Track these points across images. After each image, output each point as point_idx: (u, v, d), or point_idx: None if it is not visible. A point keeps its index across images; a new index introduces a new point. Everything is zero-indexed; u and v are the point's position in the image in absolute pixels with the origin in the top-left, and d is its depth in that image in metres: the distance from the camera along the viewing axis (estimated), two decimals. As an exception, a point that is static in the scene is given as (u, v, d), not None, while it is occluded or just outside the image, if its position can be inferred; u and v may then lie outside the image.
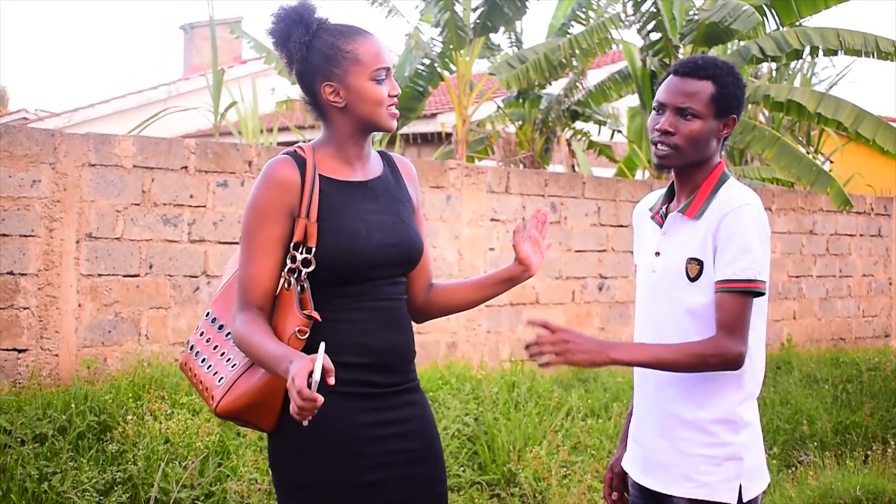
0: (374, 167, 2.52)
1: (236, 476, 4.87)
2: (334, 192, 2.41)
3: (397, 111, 2.47)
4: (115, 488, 4.63)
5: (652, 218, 2.72)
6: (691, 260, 2.54)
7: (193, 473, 4.72)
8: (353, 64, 2.39)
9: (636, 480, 2.67)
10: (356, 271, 2.38)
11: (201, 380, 2.44)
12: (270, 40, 2.49)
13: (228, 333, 2.45)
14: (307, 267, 2.36)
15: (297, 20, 2.42)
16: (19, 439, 4.81)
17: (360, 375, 2.38)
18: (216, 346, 2.46)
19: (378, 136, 10.76)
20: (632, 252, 9.27)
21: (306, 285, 2.36)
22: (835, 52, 9.54)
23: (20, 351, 5.80)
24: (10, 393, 5.47)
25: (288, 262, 2.37)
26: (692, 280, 2.53)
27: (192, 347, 2.51)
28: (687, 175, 2.63)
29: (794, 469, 6.42)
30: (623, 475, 2.79)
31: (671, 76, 2.63)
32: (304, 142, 7.76)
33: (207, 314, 2.53)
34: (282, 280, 2.37)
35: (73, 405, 5.13)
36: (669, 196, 2.70)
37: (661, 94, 2.62)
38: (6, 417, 4.94)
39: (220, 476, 4.86)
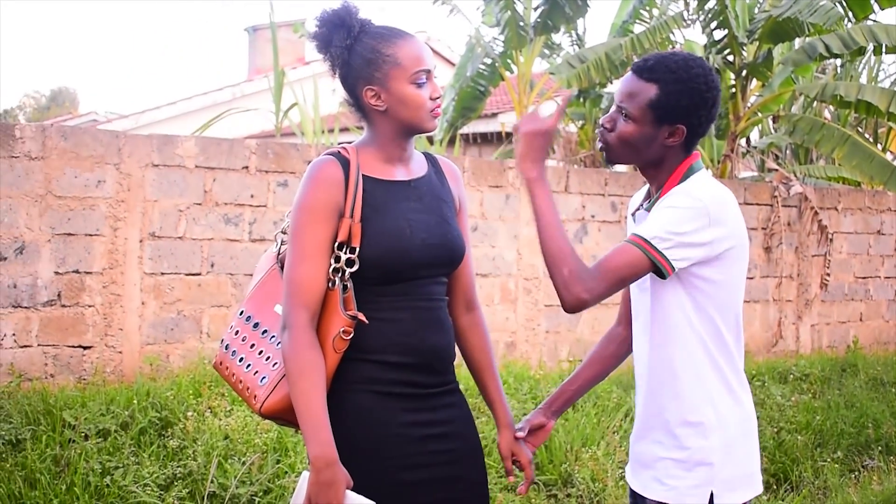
0: (417, 167, 2.52)
1: (294, 472, 4.91)
2: (378, 191, 2.41)
3: (440, 111, 2.45)
4: (176, 483, 4.69)
5: (632, 215, 2.65)
6: None
7: (252, 469, 4.78)
8: (393, 68, 2.38)
9: (629, 483, 2.63)
10: (400, 270, 2.38)
11: (241, 379, 2.44)
12: (313, 44, 2.48)
13: (265, 331, 2.45)
14: (351, 267, 2.35)
15: (338, 24, 2.42)
16: (83, 434, 4.92)
17: (402, 375, 2.38)
18: (253, 345, 2.45)
19: (438, 135, 10.78)
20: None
21: (349, 285, 2.35)
22: None
23: (85, 348, 5.93)
24: (75, 388, 5.59)
25: (332, 261, 2.36)
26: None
27: (227, 346, 2.50)
28: (648, 174, 2.54)
29: (857, 474, 6.29)
30: (539, 424, 2.73)
31: (628, 72, 2.53)
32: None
33: (241, 312, 2.52)
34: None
35: (135, 401, 5.23)
36: (649, 192, 2.62)
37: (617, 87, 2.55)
38: (71, 412, 5.04)
39: (277, 473, 4.91)
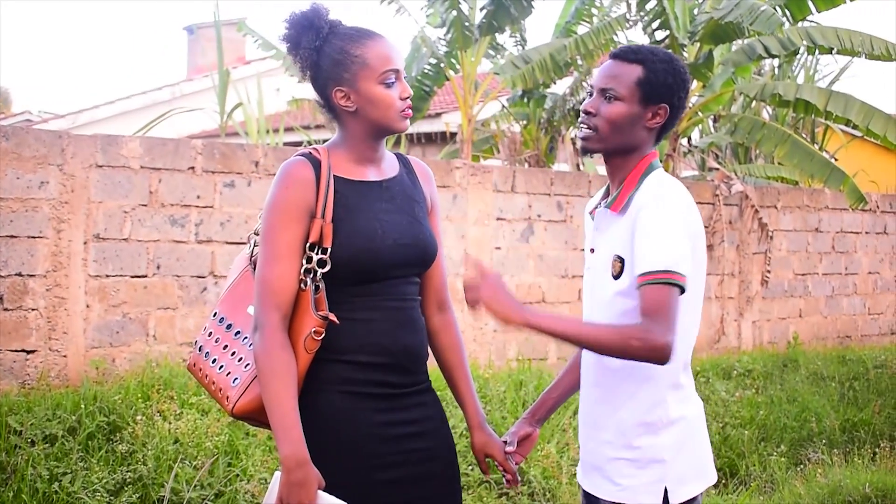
0: (389, 168, 2.53)
1: (246, 476, 4.87)
2: (349, 192, 2.42)
3: (410, 111, 2.46)
4: (126, 488, 4.63)
5: (590, 213, 2.66)
6: (616, 257, 2.47)
7: (204, 473, 4.73)
8: (361, 68, 2.40)
9: (580, 483, 2.65)
10: (372, 271, 2.39)
11: (214, 380, 2.44)
12: (284, 46, 2.49)
13: (238, 332, 2.45)
14: (322, 267, 2.36)
15: (307, 26, 2.43)
16: (29, 440, 4.83)
17: (375, 375, 2.39)
18: (226, 346, 2.46)
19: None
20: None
21: (321, 285, 2.36)
22: (830, 51, 9.54)
23: (29, 352, 5.81)
24: (20, 394, 5.49)
25: (303, 262, 2.37)
26: (615, 278, 2.46)
27: (200, 348, 2.51)
28: (614, 164, 2.55)
29: (802, 467, 6.42)
30: (526, 434, 2.72)
31: (606, 60, 2.57)
32: (309, 142, 7.82)
33: (215, 314, 2.53)
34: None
35: (82, 406, 5.15)
36: (607, 190, 2.63)
37: (593, 76, 2.58)
38: (16, 418, 4.95)
39: (229, 476, 4.87)
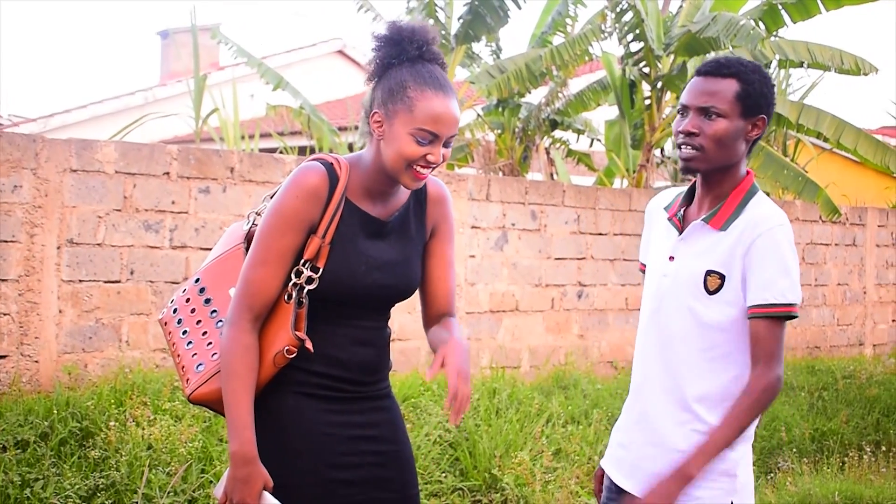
0: (396, 200, 2.50)
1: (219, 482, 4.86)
2: (351, 220, 2.41)
3: (425, 174, 2.36)
4: (98, 494, 4.62)
5: (669, 220, 2.60)
6: (711, 272, 2.44)
7: (177, 480, 4.72)
8: (405, 110, 2.32)
9: (620, 484, 2.58)
10: (343, 300, 2.41)
11: (180, 354, 2.47)
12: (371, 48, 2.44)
13: (214, 312, 2.47)
14: (310, 285, 2.38)
15: (396, 40, 2.40)
16: (1, 445, 4.79)
17: (328, 381, 2.42)
18: (199, 322, 2.48)
19: (360, 142, 10.76)
20: (611, 260, 9.22)
21: (305, 302, 2.38)
22: (801, 65, 9.65)
23: (0, 357, 5.77)
24: (-9, 399, 5.44)
25: (293, 276, 2.38)
26: (711, 293, 2.44)
27: (175, 311, 2.52)
28: (713, 181, 2.52)
29: (772, 475, 6.48)
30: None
31: (695, 78, 2.53)
32: (285, 148, 7.74)
33: (197, 280, 2.53)
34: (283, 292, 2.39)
35: (54, 411, 5.12)
36: (689, 199, 2.60)
37: (684, 96, 2.53)
38: (-13, 423, 4.92)
39: (202, 482, 4.85)
